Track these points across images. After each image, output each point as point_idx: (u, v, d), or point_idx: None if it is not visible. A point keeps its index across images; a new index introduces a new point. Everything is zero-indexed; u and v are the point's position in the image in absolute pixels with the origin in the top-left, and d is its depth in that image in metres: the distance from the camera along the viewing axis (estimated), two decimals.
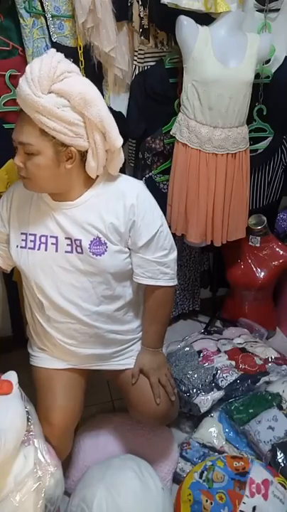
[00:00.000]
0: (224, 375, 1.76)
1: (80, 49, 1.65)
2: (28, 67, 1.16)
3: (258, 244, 2.16)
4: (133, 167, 2.00)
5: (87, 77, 1.69)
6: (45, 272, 1.34)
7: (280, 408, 1.66)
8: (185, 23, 1.62)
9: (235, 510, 1.34)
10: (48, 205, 1.32)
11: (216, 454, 1.59)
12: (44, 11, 1.60)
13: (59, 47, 1.64)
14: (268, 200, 2.10)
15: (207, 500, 1.37)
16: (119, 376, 1.50)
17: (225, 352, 1.89)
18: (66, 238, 1.32)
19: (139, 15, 1.66)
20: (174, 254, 1.44)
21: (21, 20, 1.57)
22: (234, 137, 1.75)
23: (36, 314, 1.43)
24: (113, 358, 1.48)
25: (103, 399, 1.90)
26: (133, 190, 1.34)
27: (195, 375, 1.76)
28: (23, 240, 1.35)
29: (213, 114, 1.70)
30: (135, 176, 1.99)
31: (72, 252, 1.32)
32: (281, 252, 2.16)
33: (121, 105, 1.85)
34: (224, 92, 1.67)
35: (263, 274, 2.15)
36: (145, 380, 1.45)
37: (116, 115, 1.82)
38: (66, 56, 1.66)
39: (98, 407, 1.83)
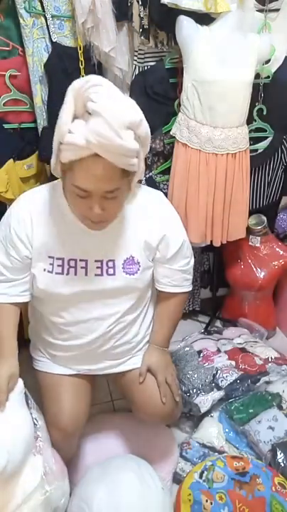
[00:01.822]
0: (224, 375, 1.75)
1: (80, 49, 1.65)
2: (107, 113, 1.01)
3: (258, 244, 2.16)
4: None
5: None
6: (74, 295, 1.30)
7: (280, 408, 1.66)
8: (185, 23, 1.62)
9: (235, 510, 1.34)
10: (78, 227, 1.24)
11: (216, 454, 1.59)
12: (44, 11, 1.60)
13: (59, 47, 1.64)
14: (268, 200, 2.10)
15: (207, 500, 1.37)
16: (124, 376, 1.49)
17: (225, 352, 1.89)
18: (96, 261, 1.28)
19: (139, 15, 1.66)
20: (193, 260, 1.47)
21: (21, 20, 1.57)
22: (234, 137, 1.75)
23: (51, 330, 1.39)
24: (121, 364, 1.48)
25: (103, 399, 1.90)
26: (160, 203, 1.34)
27: (195, 375, 1.76)
28: (50, 263, 1.28)
29: (213, 114, 1.70)
30: None
31: (102, 274, 1.29)
32: (281, 252, 2.16)
33: None
34: (224, 92, 1.67)
35: (263, 274, 2.15)
36: (151, 378, 1.44)
37: None
38: (66, 56, 1.68)
39: (98, 407, 1.83)
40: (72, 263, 1.27)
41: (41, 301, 1.36)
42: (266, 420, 1.60)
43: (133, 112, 1.11)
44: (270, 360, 1.86)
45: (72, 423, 1.36)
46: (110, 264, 1.28)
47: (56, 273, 1.27)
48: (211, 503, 1.36)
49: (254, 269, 2.16)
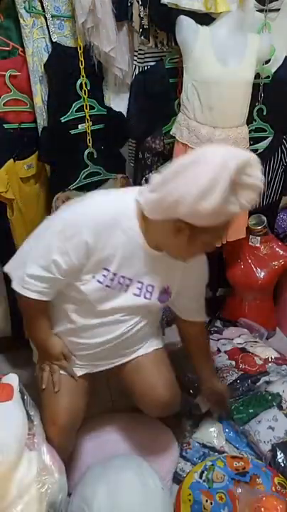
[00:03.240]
0: (224, 375, 1.75)
1: (80, 49, 1.65)
2: (261, 182, 1.11)
3: (258, 244, 2.16)
4: (133, 167, 2.00)
5: (86, 77, 1.71)
6: (111, 306, 1.35)
7: (280, 408, 1.66)
8: (185, 23, 1.62)
9: (235, 510, 1.34)
10: (139, 251, 1.29)
11: (216, 454, 1.59)
12: (44, 11, 1.60)
13: (59, 47, 1.64)
14: (268, 200, 2.10)
15: (207, 500, 1.37)
16: (125, 367, 1.51)
17: (225, 352, 1.89)
18: (138, 282, 1.34)
19: (139, 15, 1.66)
20: None
21: (21, 20, 1.57)
22: (234, 137, 1.75)
23: (69, 329, 1.42)
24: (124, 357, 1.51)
25: (103, 399, 1.90)
26: None
27: (195, 375, 1.76)
28: (104, 275, 1.29)
29: (213, 114, 1.70)
30: (135, 176, 1.99)
31: (139, 295, 1.35)
32: (281, 252, 2.16)
33: (121, 105, 1.85)
34: (224, 92, 1.67)
35: (263, 274, 2.15)
36: (149, 369, 1.48)
37: (116, 115, 1.82)
38: (66, 56, 1.68)
39: (98, 407, 1.83)
40: (121, 280, 1.32)
41: (72, 300, 1.36)
42: (266, 420, 1.60)
43: None
44: (270, 360, 1.86)
45: (69, 421, 1.37)
46: (149, 288, 1.36)
47: (106, 285, 1.31)
48: (211, 503, 1.36)
49: (254, 269, 2.16)
